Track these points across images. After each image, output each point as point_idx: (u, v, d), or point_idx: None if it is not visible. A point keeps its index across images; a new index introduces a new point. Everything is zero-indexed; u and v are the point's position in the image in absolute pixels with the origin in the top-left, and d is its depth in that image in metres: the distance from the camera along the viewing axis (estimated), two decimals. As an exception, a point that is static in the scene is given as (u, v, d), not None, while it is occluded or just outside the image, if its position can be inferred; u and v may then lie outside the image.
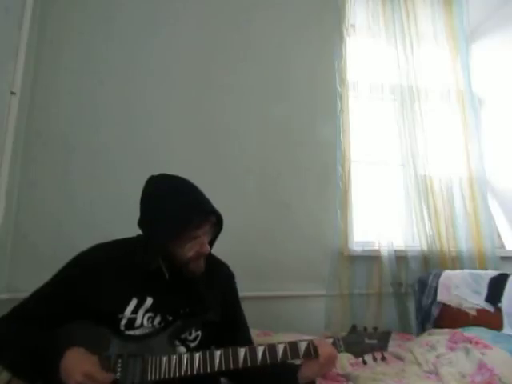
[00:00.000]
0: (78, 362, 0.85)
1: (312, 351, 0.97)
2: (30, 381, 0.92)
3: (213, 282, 1.11)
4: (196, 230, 0.98)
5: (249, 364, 0.92)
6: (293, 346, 0.96)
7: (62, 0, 1.95)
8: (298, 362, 1.01)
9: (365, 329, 1.05)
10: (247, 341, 1.12)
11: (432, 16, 2.42)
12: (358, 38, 2.34)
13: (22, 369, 0.91)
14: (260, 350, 0.94)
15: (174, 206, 0.97)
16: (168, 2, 2.10)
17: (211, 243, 1.07)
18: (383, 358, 1.02)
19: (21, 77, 1.66)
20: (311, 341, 0.98)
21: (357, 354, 1.02)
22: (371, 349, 1.02)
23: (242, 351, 0.93)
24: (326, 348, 0.97)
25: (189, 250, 0.99)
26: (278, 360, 0.94)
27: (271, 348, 0.95)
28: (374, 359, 1.02)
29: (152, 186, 1.04)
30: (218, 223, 1.06)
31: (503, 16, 2.43)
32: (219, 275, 1.16)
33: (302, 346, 0.97)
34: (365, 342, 1.02)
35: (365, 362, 1.02)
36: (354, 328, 1.05)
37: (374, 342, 1.03)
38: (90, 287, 0.97)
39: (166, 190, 1.01)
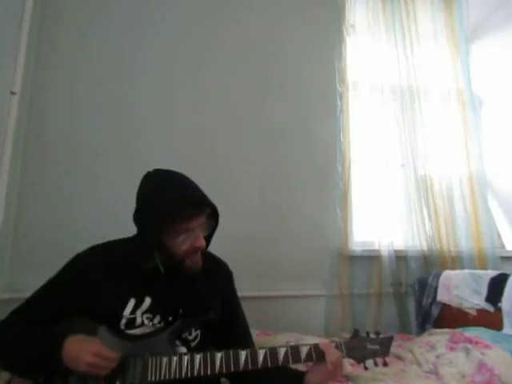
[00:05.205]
0: (82, 345, 0.85)
1: (314, 356, 0.95)
2: (32, 379, 0.91)
3: (212, 281, 1.10)
4: (188, 221, 0.95)
5: (250, 367, 0.91)
6: (294, 350, 0.94)
7: (62, 0, 1.95)
8: (300, 366, 0.98)
9: (367, 334, 1.03)
10: (247, 342, 1.10)
11: (432, 16, 2.42)
12: (357, 38, 2.33)
13: (23, 369, 0.91)
14: (261, 353, 0.93)
15: (161, 201, 0.95)
16: (167, 1, 2.10)
17: (209, 239, 1.06)
18: (385, 364, 1.01)
19: (21, 77, 1.66)
20: (315, 345, 0.96)
21: (358, 360, 1.00)
22: (373, 354, 1.01)
23: (243, 354, 0.92)
24: (333, 353, 0.94)
25: (182, 243, 0.96)
26: (279, 364, 0.92)
27: (272, 351, 0.93)
28: (376, 364, 1.01)
29: (143, 184, 1.03)
30: (213, 216, 1.03)
31: (503, 16, 2.43)
32: (219, 274, 1.15)
33: (304, 350, 0.95)
34: (367, 347, 1.01)
35: (366, 368, 1.00)
36: (356, 333, 1.03)
37: (376, 347, 1.01)
38: (88, 288, 0.97)
39: (154, 186, 1.00)
